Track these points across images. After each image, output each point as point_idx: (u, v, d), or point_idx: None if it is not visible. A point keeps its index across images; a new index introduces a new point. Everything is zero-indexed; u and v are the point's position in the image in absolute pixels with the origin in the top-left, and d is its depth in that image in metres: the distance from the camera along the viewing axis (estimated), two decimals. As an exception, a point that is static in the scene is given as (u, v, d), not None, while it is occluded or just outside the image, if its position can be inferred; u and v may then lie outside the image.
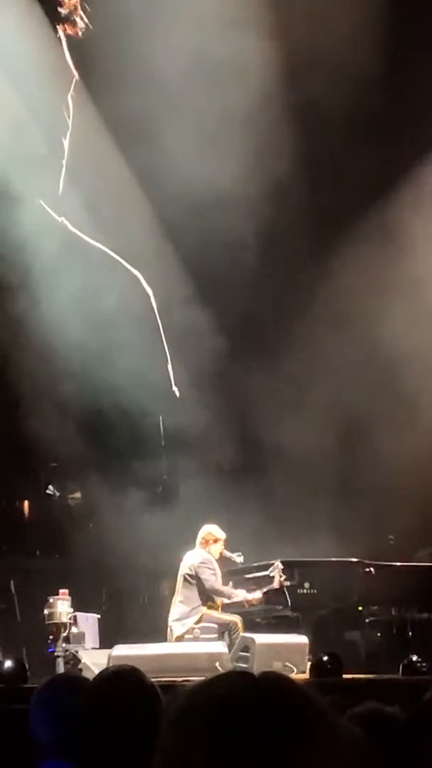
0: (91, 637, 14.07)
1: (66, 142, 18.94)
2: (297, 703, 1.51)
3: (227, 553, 13.75)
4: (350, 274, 18.77)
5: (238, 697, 1.50)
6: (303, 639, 12.61)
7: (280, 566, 13.58)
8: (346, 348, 18.37)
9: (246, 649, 12.40)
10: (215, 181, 18.16)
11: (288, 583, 13.43)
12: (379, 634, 16.40)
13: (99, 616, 15.01)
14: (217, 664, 11.42)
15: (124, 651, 11.46)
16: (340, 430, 18.76)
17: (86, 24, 18.33)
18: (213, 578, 13.24)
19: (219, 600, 13.34)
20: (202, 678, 1.57)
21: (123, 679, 3.31)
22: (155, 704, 3.09)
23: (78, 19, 18.45)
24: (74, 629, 13.45)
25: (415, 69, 18.16)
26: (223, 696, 1.50)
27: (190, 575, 13.26)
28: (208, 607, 13.18)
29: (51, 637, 13.28)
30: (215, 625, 13.09)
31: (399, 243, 18.84)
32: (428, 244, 18.98)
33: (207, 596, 13.21)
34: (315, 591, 13.62)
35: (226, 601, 13.40)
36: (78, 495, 18.88)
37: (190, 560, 13.44)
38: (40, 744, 4.09)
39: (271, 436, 19.24)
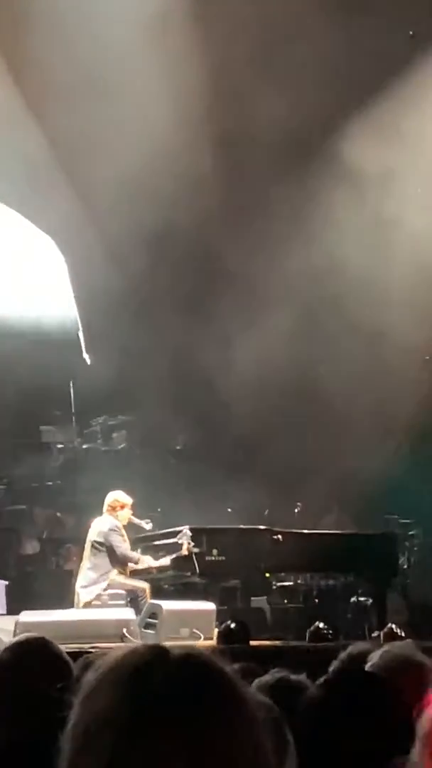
0: (-2, 603, 14.02)
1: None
2: (208, 676, 1.52)
3: (135, 520, 13.76)
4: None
5: (148, 671, 1.50)
6: (210, 606, 12.69)
7: (189, 533, 13.62)
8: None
9: (153, 615, 12.44)
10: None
11: (196, 550, 13.47)
12: (285, 601, 16.53)
13: (7, 582, 14.95)
14: (124, 630, 11.45)
15: (31, 617, 11.44)
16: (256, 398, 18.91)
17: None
18: (123, 544, 13.25)
19: (127, 567, 13.35)
20: (112, 645, 1.57)
21: (31, 648, 3.30)
22: (64, 674, 3.09)
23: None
24: (-19, 595, 13.38)
25: None
26: (135, 670, 1.50)
27: (98, 542, 13.24)
28: (117, 573, 13.19)
29: (-43, 603, 13.20)
30: (123, 592, 13.12)
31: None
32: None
33: (116, 562, 13.21)
34: (223, 558, 13.68)
35: (134, 566, 13.41)
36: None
37: (98, 527, 13.43)
38: None
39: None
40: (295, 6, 17.85)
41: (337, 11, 17.63)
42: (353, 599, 15.88)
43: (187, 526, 13.81)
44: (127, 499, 13.65)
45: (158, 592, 13.49)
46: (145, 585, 13.22)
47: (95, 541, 13.28)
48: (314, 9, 17.76)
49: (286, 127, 18.23)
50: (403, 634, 11.46)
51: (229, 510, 18.62)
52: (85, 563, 13.35)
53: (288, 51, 17.99)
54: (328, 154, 19.08)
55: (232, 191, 19.74)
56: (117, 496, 13.68)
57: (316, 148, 19.18)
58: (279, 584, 16.76)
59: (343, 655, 4.45)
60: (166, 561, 13.65)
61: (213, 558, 13.61)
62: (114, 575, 13.17)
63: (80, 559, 14.04)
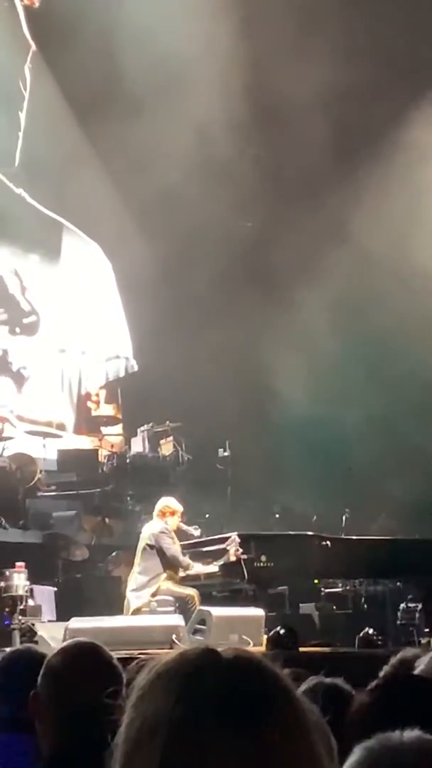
0: (48, 609, 14.06)
1: (23, 114, 18.82)
2: (259, 678, 1.52)
3: (184, 526, 13.80)
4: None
5: (200, 674, 1.50)
6: (259, 612, 12.65)
7: (237, 540, 13.60)
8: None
9: (202, 622, 12.43)
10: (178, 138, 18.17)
11: (245, 557, 13.45)
12: (334, 607, 16.48)
13: (55, 588, 15.00)
14: (173, 637, 11.45)
15: (81, 624, 11.44)
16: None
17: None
18: (173, 546, 13.29)
19: (177, 571, 13.37)
20: (161, 651, 1.57)
21: (82, 654, 3.31)
22: (115, 679, 3.09)
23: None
24: (30, 602, 13.42)
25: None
26: (186, 673, 1.50)
27: (149, 545, 13.29)
28: (167, 577, 13.21)
29: (7, 609, 13.23)
30: (172, 598, 13.13)
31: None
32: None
33: (167, 565, 13.23)
34: (271, 564, 13.65)
35: (183, 573, 13.43)
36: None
37: (149, 530, 13.49)
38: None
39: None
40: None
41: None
42: (402, 605, 15.80)
43: (236, 533, 13.81)
44: (178, 506, 13.70)
45: (207, 599, 13.48)
46: (193, 592, 13.22)
47: (147, 545, 13.33)
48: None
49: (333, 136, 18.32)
50: (452, 640, 11.38)
51: (277, 516, 18.61)
52: (136, 567, 13.39)
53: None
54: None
55: (278, 196, 19.75)
56: (168, 502, 13.72)
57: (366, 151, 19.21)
58: (327, 590, 16.72)
59: (393, 660, 4.43)
60: (214, 567, 13.65)
61: (261, 564, 13.58)
62: (164, 580, 13.19)
63: (129, 565, 14.07)
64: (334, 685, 4.09)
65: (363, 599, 16.73)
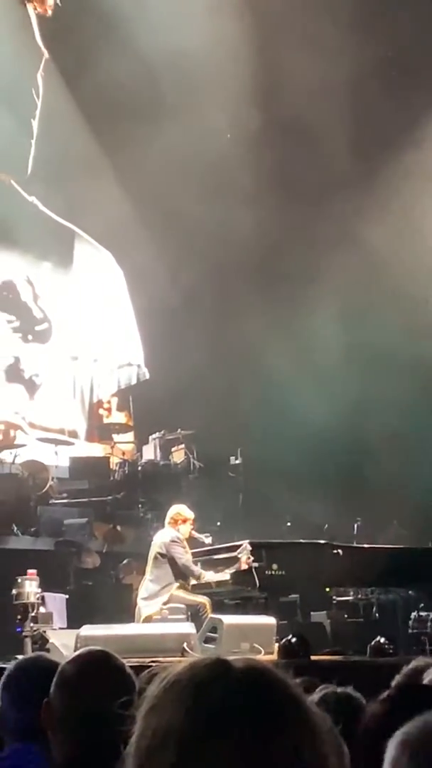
0: (59, 617, 14.06)
1: (35, 122, 18.84)
2: (270, 687, 1.51)
3: (196, 534, 13.81)
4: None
5: (210, 684, 1.50)
6: (271, 620, 12.63)
7: (249, 547, 13.58)
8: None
9: (214, 630, 12.42)
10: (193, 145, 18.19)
11: (256, 565, 13.43)
12: (346, 616, 16.46)
13: (67, 596, 15.01)
14: (185, 644, 11.45)
15: (92, 631, 11.44)
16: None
17: (55, 1, 18.18)
18: (185, 556, 13.29)
19: (189, 580, 13.37)
20: (173, 659, 1.57)
21: (95, 662, 3.31)
22: (128, 687, 3.09)
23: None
24: (42, 609, 13.42)
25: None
26: (196, 683, 1.50)
27: (161, 553, 13.29)
28: (178, 586, 13.20)
29: (19, 617, 13.24)
30: (183, 606, 13.12)
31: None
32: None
33: (178, 574, 13.23)
34: (283, 572, 13.63)
35: (194, 581, 13.42)
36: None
37: (160, 538, 13.49)
38: (8, 726, 4.08)
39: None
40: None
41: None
42: (413, 614, 15.77)
43: (247, 541, 13.78)
44: (190, 514, 13.70)
45: (218, 607, 13.47)
46: (205, 600, 13.21)
47: (158, 553, 13.33)
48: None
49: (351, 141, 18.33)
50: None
51: (288, 524, 18.59)
52: (147, 575, 13.40)
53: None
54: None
55: (289, 202, 19.76)
56: (180, 509, 13.73)
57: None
58: (339, 599, 16.69)
59: (406, 669, 4.42)
60: (225, 575, 13.63)
61: (273, 572, 13.55)
62: (175, 588, 13.19)
63: (140, 573, 14.08)
64: (345, 694, 4.09)
65: (374, 608, 16.71)
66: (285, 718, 1.48)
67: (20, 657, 4.94)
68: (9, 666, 4.30)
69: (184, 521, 13.58)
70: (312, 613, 16.35)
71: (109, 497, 18.65)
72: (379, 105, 19.38)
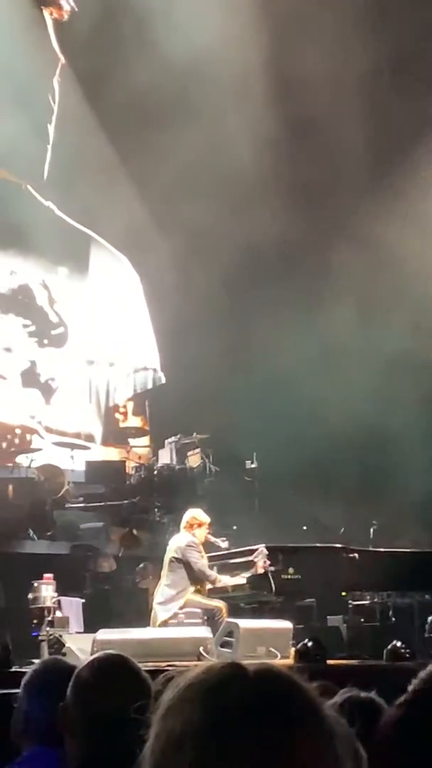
0: (75, 621, 14.06)
1: (51, 127, 18.88)
2: (285, 692, 1.52)
3: (212, 538, 13.78)
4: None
5: (225, 688, 1.50)
6: (287, 624, 12.62)
7: (265, 551, 13.57)
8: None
9: (230, 634, 12.41)
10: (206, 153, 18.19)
11: (272, 569, 13.42)
12: (362, 620, 16.43)
13: (83, 600, 15.02)
14: (201, 649, 11.44)
15: (108, 635, 11.45)
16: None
17: (72, 7, 18.22)
18: (200, 561, 13.28)
19: (204, 585, 13.36)
20: (189, 663, 1.57)
21: (112, 666, 3.31)
22: (144, 691, 3.09)
23: (64, 2, 18.35)
24: (58, 613, 13.44)
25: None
26: (211, 687, 1.51)
27: (176, 558, 13.27)
28: (195, 591, 13.19)
29: (35, 621, 13.26)
30: (199, 610, 13.11)
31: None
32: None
33: (194, 579, 13.22)
34: (299, 576, 13.61)
35: (210, 585, 13.41)
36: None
37: (176, 543, 13.47)
38: (26, 730, 4.09)
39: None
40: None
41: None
42: (430, 618, 15.73)
43: (263, 545, 13.77)
44: (206, 518, 13.68)
45: (235, 611, 13.46)
46: (221, 604, 13.20)
47: (173, 558, 13.31)
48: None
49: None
50: None
51: (304, 528, 18.57)
52: (163, 580, 13.38)
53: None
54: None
55: (304, 205, 19.74)
56: (196, 514, 13.71)
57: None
58: (355, 603, 16.66)
59: (423, 674, 4.41)
60: (241, 580, 13.62)
61: (289, 576, 13.54)
62: (191, 593, 13.18)
63: (156, 577, 14.07)
64: (362, 699, 4.08)
65: (391, 612, 16.67)
66: (298, 721, 1.48)
67: (38, 661, 4.96)
68: (28, 670, 4.31)
69: (200, 525, 13.57)
70: (328, 617, 16.33)
71: (125, 501, 18.64)
72: (395, 106, 19.34)
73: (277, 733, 1.45)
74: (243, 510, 18.68)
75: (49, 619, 13.18)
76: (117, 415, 22.83)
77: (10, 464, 19.12)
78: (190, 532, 13.49)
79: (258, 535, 15.13)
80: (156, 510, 18.60)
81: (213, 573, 13.46)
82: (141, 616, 14.17)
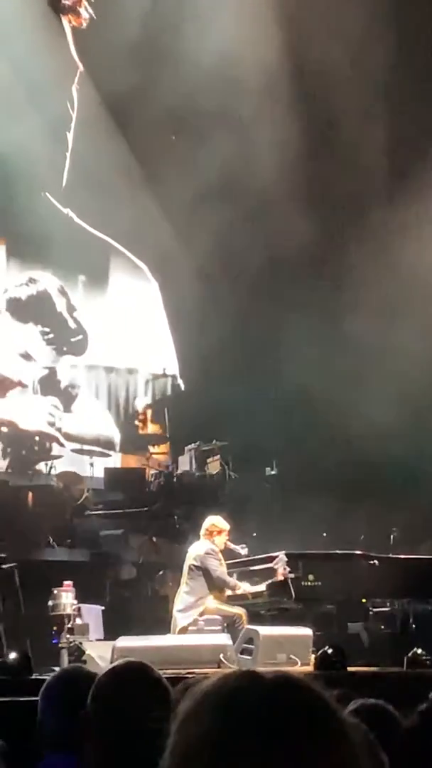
0: (95, 628, 14.07)
1: (70, 135, 18.93)
2: (302, 700, 1.51)
3: (231, 545, 13.76)
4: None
5: (242, 696, 1.50)
6: (307, 631, 12.59)
7: (284, 558, 13.55)
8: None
9: (250, 641, 12.39)
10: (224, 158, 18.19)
11: (292, 576, 13.40)
12: (382, 627, 16.38)
13: (103, 607, 15.03)
14: (221, 656, 11.42)
15: (128, 642, 11.44)
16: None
17: (90, 14, 18.26)
18: (220, 568, 13.26)
19: (224, 592, 13.34)
20: (208, 671, 1.57)
21: (132, 674, 3.31)
22: (164, 699, 3.09)
23: (82, 10, 18.39)
24: (78, 621, 13.44)
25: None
26: (228, 696, 1.50)
27: (195, 566, 13.26)
28: (213, 598, 13.18)
29: (55, 628, 13.27)
30: (219, 617, 13.09)
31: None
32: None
33: (213, 586, 13.20)
34: (319, 583, 13.59)
35: (230, 592, 13.40)
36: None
37: (195, 550, 13.46)
38: (46, 736, 4.09)
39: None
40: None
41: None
42: (451, 625, 15.68)
43: (283, 552, 13.75)
44: (225, 525, 13.66)
45: (254, 618, 13.44)
46: (241, 611, 13.18)
47: (192, 565, 13.30)
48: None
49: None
50: None
51: (324, 535, 18.53)
52: (182, 587, 13.37)
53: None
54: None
55: (327, 213, 19.73)
56: (215, 521, 13.69)
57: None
58: (375, 610, 16.61)
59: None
60: (261, 587, 13.60)
61: (309, 583, 13.52)
62: (210, 600, 13.17)
63: (176, 584, 14.07)
64: (379, 706, 4.07)
65: (411, 619, 16.61)
66: (316, 730, 1.47)
67: (58, 668, 4.96)
68: (48, 677, 4.32)
69: (219, 532, 13.56)
70: (348, 624, 16.28)
71: (145, 508, 18.66)
72: (416, 115, 19.34)
73: (294, 741, 1.44)
74: (263, 517, 18.66)
75: (69, 626, 13.18)
76: (136, 422, 22.84)
77: (30, 472, 19.15)
78: (210, 540, 13.48)
79: (278, 542, 15.10)
80: (176, 517, 18.60)
81: (232, 580, 13.45)
82: (161, 623, 14.16)
